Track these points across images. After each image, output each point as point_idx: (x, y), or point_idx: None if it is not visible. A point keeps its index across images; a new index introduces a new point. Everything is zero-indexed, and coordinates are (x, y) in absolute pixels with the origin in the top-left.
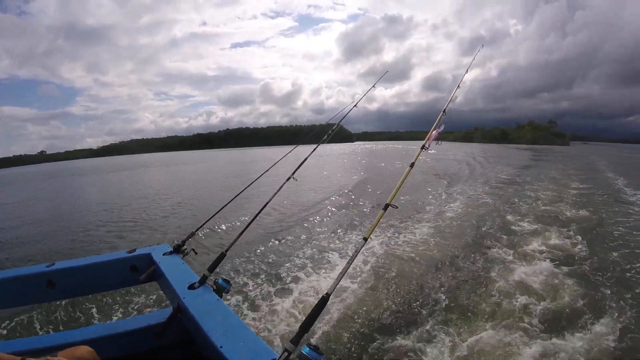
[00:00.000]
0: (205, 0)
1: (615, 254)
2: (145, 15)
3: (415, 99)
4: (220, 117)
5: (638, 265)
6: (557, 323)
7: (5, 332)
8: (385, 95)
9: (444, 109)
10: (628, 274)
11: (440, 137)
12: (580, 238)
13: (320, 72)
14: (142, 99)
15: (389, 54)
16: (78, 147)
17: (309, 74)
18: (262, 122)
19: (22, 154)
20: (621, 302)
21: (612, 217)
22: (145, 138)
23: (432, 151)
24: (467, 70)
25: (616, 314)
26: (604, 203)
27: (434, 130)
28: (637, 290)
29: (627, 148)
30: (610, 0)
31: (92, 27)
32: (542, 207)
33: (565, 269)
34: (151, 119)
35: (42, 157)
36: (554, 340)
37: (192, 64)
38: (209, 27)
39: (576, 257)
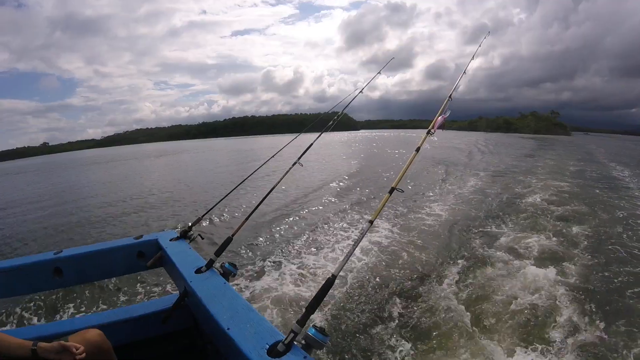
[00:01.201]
0: None
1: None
2: (144, 5)
3: (417, 87)
4: (222, 105)
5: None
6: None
7: (15, 320)
8: (388, 83)
9: (450, 95)
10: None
11: (446, 125)
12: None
13: (322, 60)
14: (142, 89)
15: (392, 42)
16: (79, 138)
17: (311, 62)
18: (264, 111)
19: (25, 146)
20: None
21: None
22: (148, 128)
23: (435, 138)
24: (473, 57)
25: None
26: (596, 179)
27: (439, 115)
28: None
29: (629, 140)
30: None
31: (90, 18)
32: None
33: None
34: (152, 109)
35: (45, 149)
36: None
37: (192, 53)
38: (208, 15)
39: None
